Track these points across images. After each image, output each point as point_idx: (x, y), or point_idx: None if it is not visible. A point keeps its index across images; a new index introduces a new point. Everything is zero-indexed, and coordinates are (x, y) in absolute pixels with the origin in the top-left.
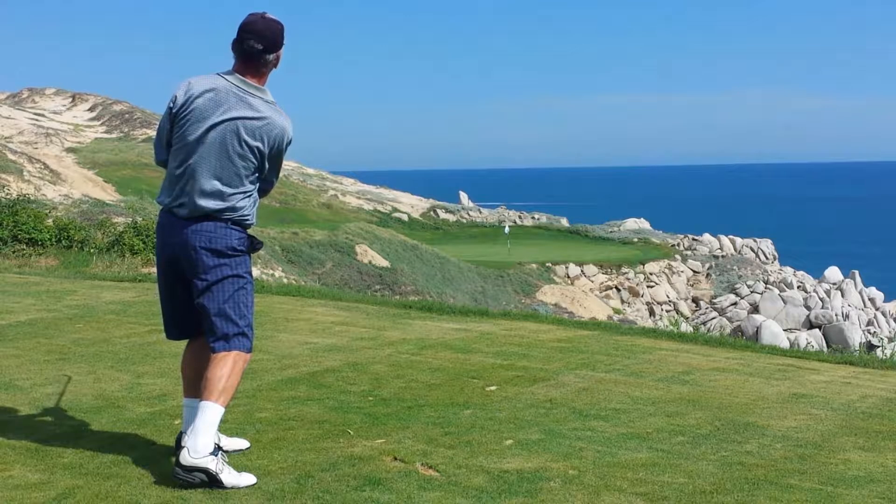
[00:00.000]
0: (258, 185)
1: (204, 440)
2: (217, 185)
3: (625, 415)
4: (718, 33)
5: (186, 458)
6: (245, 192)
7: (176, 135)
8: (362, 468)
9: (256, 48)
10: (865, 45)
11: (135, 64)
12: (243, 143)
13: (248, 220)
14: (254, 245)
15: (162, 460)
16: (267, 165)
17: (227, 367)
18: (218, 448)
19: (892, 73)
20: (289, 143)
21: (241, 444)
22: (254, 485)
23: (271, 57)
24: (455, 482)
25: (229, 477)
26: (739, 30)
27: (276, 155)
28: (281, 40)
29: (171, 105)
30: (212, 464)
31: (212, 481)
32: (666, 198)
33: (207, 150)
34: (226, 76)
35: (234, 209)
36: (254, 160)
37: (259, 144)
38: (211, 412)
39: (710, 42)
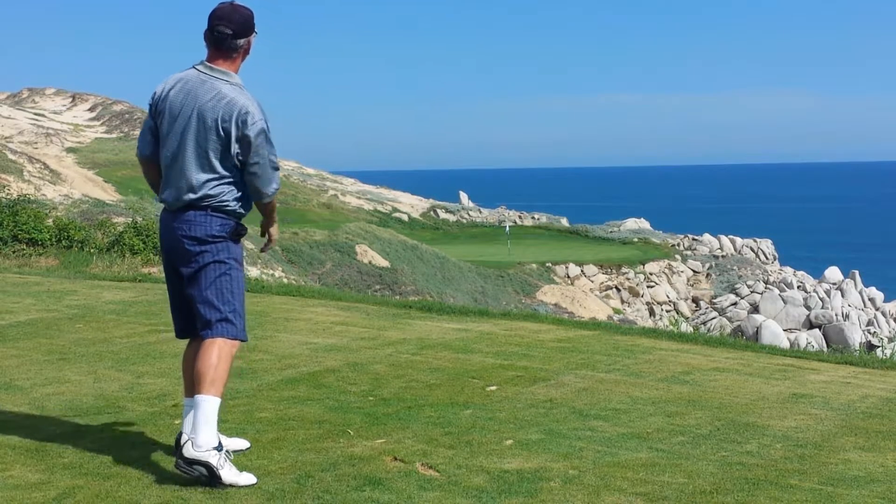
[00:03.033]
0: (240, 171)
1: (205, 434)
2: (193, 172)
3: (625, 415)
4: (718, 33)
5: (189, 450)
6: (220, 178)
7: (160, 130)
8: (362, 468)
9: (226, 33)
10: (865, 45)
11: (135, 64)
12: (208, 127)
13: (228, 206)
14: (237, 231)
15: (162, 460)
16: (238, 148)
17: (212, 355)
18: (222, 446)
19: (891, 73)
20: (258, 125)
21: (241, 444)
22: (253, 484)
23: (242, 42)
24: (455, 482)
25: (229, 474)
26: (738, 30)
27: (243, 136)
28: (251, 26)
29: (151, 101)
30: (214, 458)
31: (211, 476)
32: (666, 197)
33: (181, 140)
34: (196, 65)
35: (211, 196)
36: (219, 143)
37: (225, 125)
38: (206, 405)
39: (710, 42)
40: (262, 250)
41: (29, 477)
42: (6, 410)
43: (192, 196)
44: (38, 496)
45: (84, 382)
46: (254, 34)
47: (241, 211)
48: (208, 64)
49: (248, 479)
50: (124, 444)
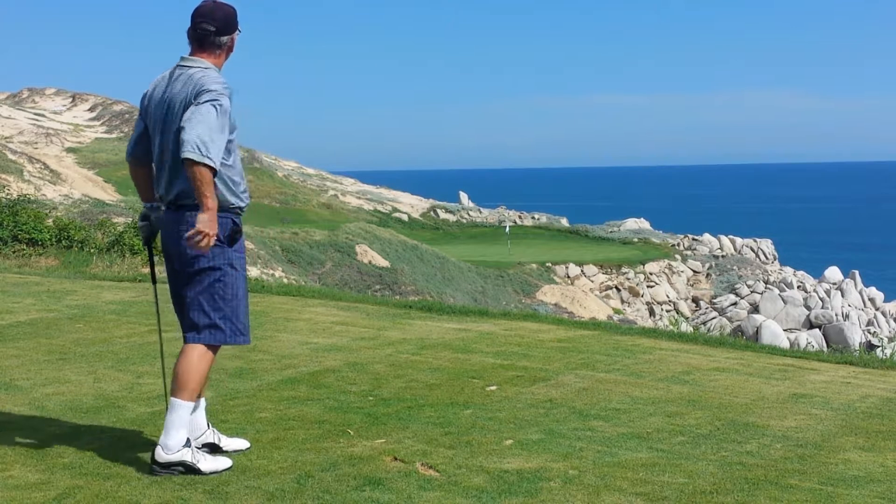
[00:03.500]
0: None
1: (176, 437)
2: (172, 167)
3: (625, 415)
4: (717, 33)
5: (161, 455)
6: None
7: (149, 130)
8: (362, 468)
9: (209, 30)
10: (865, 45)
11: (135, 64)
12: (176, 114)
13: (218, 201)
14: (234, 233)
15: None
16: None
17: (192, 361)
18: (190, 441)
19: (892, 73)
20: (211, 95)
21: (241, 444)
22: (230, 467)
23: (225, 39)
24: (455, 482)
25: (207, 465)
26: (739, 30)
27: (195, 97)
28: (234, 23)
29: (141, 103)
30: (187, 456)
31: (190, 471)
32: (666, 197)
33: (159, 135)
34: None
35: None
36: None
37: (189, 104)
38: (182, 410)
39: (710, 42)
40: (189, 241)
41: (29, 477)
42: (6, 410)
43: (177, 191)
44: (38, 496)
45: (84, 382)
46: (237, 31)
47: (234, 201)
48: (185, 56)
49: (225, 462)
50: (124, 444)
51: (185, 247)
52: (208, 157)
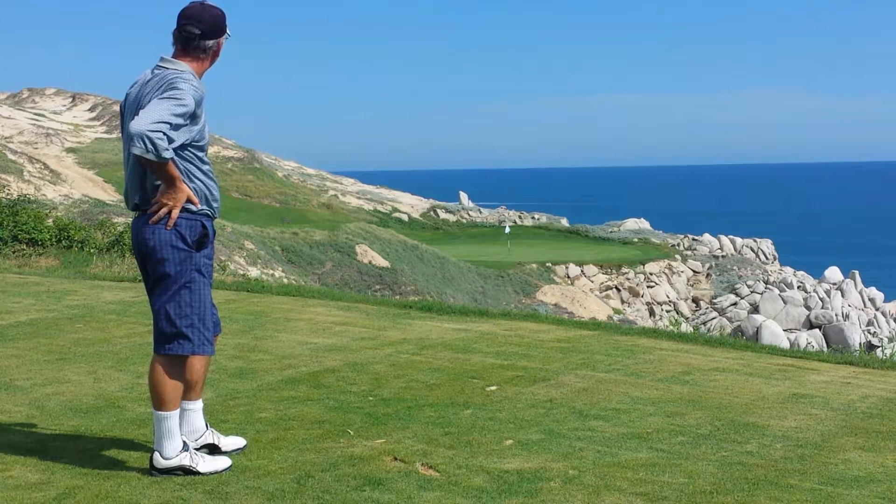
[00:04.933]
0: (189, 164)
1: (170, 446)
2: (137, 172)
3: (625, 415)
4: (718, 33)
5: (159, 461)
6: None
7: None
8: (362, 468)
9: (194, 33)
10: (865, 45)
11: (135, 64)
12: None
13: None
14: (202, 237)
15: None
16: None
17: (162, 374)
18: (186, 445)
19: (892, 73)
20: (173, 93)
21: (238, 441)
22: (230, 466)
23: (210, 43)
24: (455, 482)
25: (205, 466)
26: (739, 30)
27: (156, 91)
28: (221, 27)
29: (121, 107)
30: (185, 460)
31: (189, 474)
32: (666, 197)
33: (126, 139)
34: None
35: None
36: None
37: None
38: (166, 422)
39: (710, 42)
40: (150, 219)
41: (29, 477)
42: (6, 410)
43: (138, 198)
44: (38, 496)
45: (84, 382)
46: (225, 36)
47: (198, 207)
48: (165, 57)
49: (224, 462)
50: (124, 444)
51: (151, 248)
52: (153, 152)
